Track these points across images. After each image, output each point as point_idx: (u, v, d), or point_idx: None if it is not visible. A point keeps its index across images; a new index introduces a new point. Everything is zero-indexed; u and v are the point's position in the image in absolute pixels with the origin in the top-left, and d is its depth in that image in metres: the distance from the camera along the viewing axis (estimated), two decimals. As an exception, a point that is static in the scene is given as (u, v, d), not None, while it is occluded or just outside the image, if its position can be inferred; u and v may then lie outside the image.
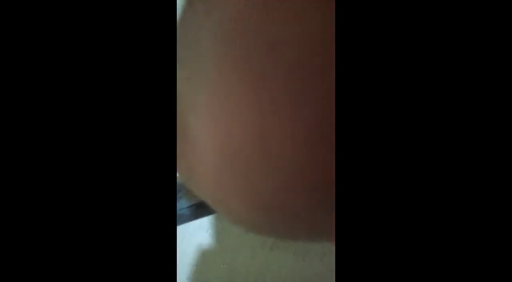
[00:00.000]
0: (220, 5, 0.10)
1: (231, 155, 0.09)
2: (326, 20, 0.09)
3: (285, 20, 0.09)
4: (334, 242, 0.11)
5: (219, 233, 0.27)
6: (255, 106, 0.09)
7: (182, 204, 0.23)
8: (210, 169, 0.10)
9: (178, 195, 0.23)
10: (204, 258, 0.27)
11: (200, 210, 0.23)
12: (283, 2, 0.09)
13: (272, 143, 0.09)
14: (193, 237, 0.27)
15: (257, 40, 0.09)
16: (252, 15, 0.09)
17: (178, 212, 0.23)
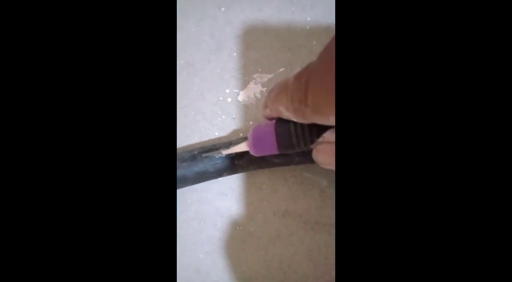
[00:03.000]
0: None
1: None
2: None
3: None
4: None
5: (236, 198, 0.28)
6: None
7: (206, 163, 0.25)
8: None
9: (203, 156, 0.25)
10: (223, 219, 0.29)
11: (221, 169, 0.25)
12: None
13: None
14: (214, 201, 0.29)
15: None
16: None
17: (203, 169, 0.25)
